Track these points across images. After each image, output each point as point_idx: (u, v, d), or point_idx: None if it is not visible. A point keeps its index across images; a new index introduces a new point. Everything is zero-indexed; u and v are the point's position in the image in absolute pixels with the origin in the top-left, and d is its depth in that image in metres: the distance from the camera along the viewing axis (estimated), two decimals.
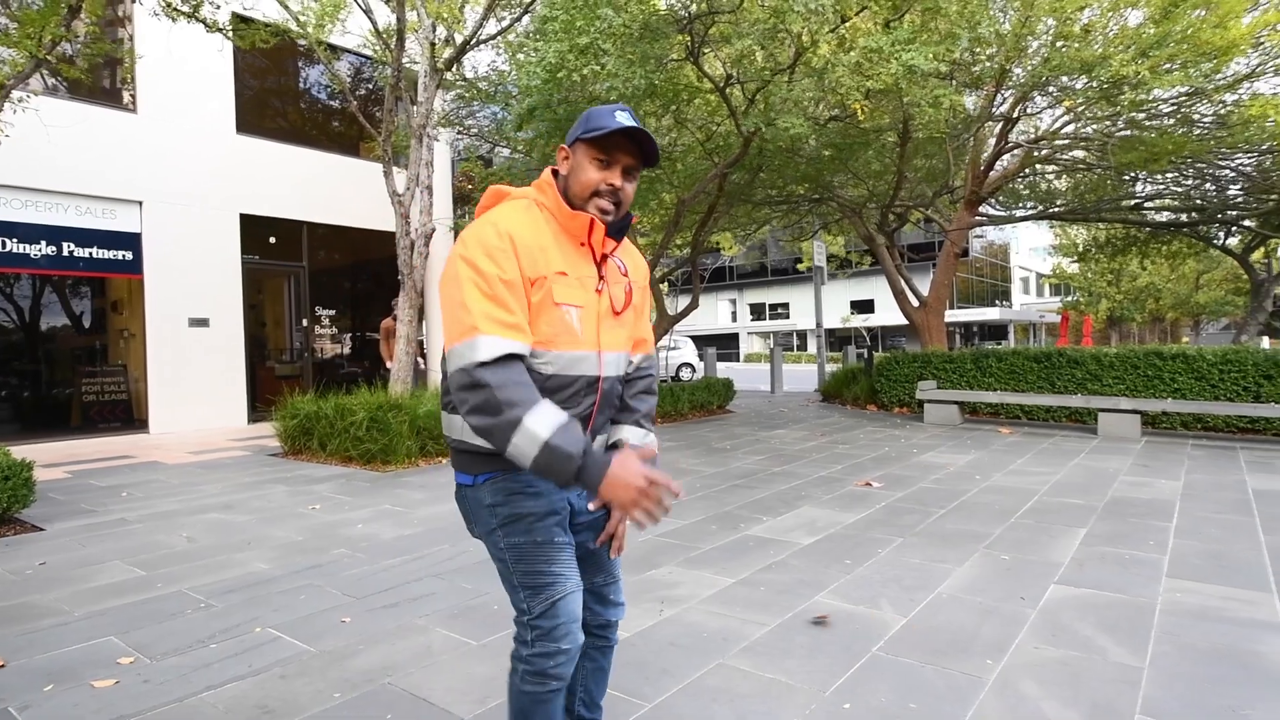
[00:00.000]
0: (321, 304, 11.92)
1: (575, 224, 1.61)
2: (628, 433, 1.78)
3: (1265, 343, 22.44)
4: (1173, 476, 6.05)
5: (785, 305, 48.24)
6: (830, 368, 14.08)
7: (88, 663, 2.76)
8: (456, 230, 12.36)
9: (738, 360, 46.25)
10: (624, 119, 1.56)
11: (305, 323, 11.55)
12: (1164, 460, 6.81)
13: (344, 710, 2.39)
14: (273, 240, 11.14)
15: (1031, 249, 52.38)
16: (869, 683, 2.56)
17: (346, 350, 12.51)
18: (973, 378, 10.04)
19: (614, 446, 1.76)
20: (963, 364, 10.18)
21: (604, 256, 1.67)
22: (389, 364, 9.76)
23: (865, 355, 13.83)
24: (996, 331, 45.77)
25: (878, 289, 40.77)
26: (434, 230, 8.40)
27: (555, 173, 1.68)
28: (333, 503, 5.43)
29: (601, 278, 1.66)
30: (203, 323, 10.13)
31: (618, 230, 1.66)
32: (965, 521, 4.71)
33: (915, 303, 12.70)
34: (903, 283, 12.78)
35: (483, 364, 1.43)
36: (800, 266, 26.72)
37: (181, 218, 9.99)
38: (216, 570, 3.87)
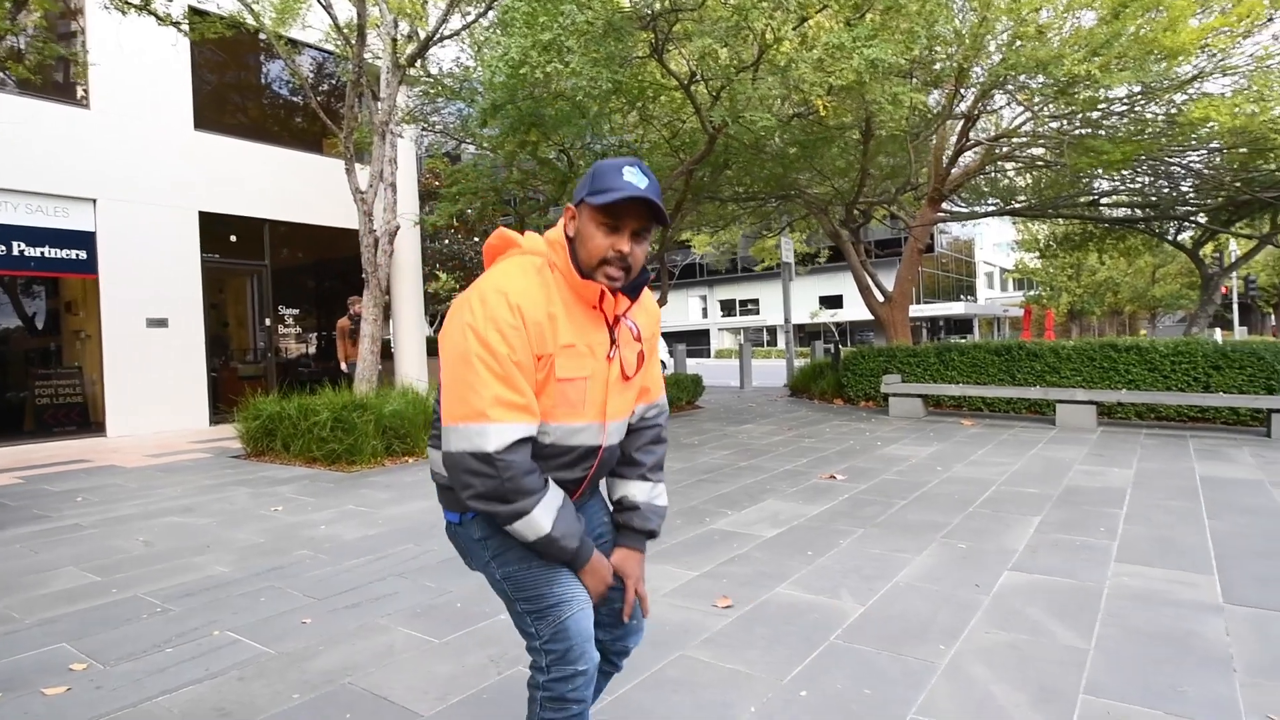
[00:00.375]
0: (285, 303, 11.73)
1: (587, 292, 1.51)
2: (634, 489, 1.71)
3: (1217, 334, 23.14)
4: (1125, 465, 6.23)
5: (755, 301, 48.57)
6: (799, 363, 14.22)
7: (39, 670, 2.71)
8: (422, 227, 12.24)
9: (708, 356, 46.48)
10: (632, 179, 1.45)
11: (268, 322, 11.37)
12: (1117, 449, 7.01)
13: (303, 711, 2.38)
14: (234, 239, 10.94)
15: (995, 244, 53.37)
16: (826, 671, 2.61)
17: (311, 350, 12.34)
18: (936, 371, 10.22)
19: (619, 504, 1.72)
20: (927, 358, 10.35)
21: (617, 319, 1.58)
22: (344, 365, 9.62)
23: (832, 350, 13.99)
24: (962, 326, 46.56)
25: (846, 284, 41.21)
26: (398, 228, 8.32)
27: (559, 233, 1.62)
28: (296, 504, 5.37)
29: (614, 342, 1.57)
30: (161, 323, 9.92)
31: (633, 288, 1.57)
32: (925, 512, 4.80)
33: (880, 298, 12.87)
34: (868, 278, 12.94)
35: (489, 454, 1.40)
36: (758, 268, 26.87)
37: (138, 216, 9.76)
38: (174, 574, 3.81)
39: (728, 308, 50.50)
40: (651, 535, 1.72)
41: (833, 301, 44.92)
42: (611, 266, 1.49)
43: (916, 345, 11.00)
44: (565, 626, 1.50)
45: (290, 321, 11.87)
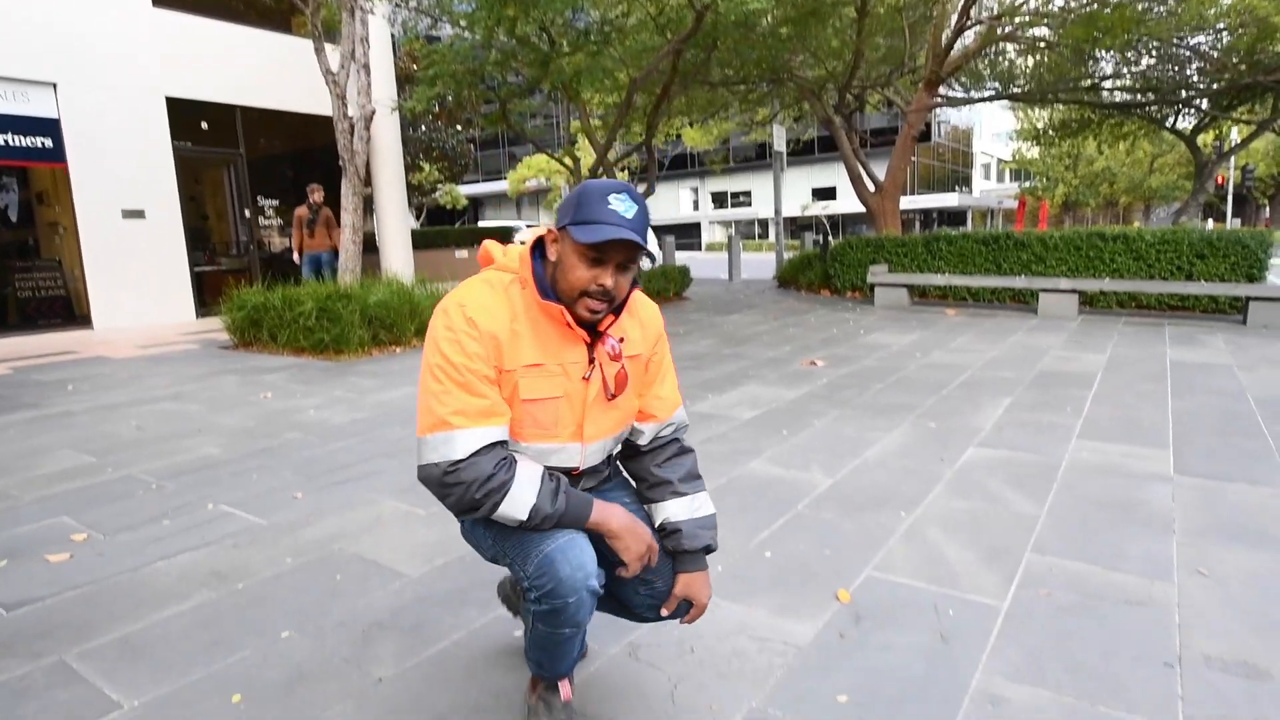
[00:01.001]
0: (264, 194, 11.46)
1: (552, 312, 1.46)
2: (672, 509, 1.61)
3: (1209, 226, 23.01)
4: (1100, 351, 6.36)
5: (747, 193, 47.68)
6: (789, 255, 14.13)
7: (41, 541, 2.84)
8: (401, 113, 11.81)
9: (699, 250, 46.06)
10: (618, 208, 1.37)
11: (248, 214, 11.14)
12: (1095, 336, 7.13)
13: (295, 573, 2.52)
14: (205, 126, 10.55)
15: (994, 134, 52.03)
16: (791, 535, 2.76)
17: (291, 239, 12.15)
18: (924, 261, 10.20)
19: (663, 530, 1.61)
20: (914, 248, 10.31)
21: (597, 337, 1.51)
22: (296, 257, 9.43)
23: (821, 241, 13.90)
24: (955, 218, 46.05)
25: (839, 176, 40.37)
26: (373, 112, 8.03)
27: (537, 245, 1.52)
28: (284, 391, 5.45)
29: (592, 361, 1.50)
30: (138, 214, 9.71)
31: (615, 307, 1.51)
32: (900, 395, 4.94)
33: (871, 188, 12.67)
34: (859, 167, 12.69)
35: (457, 462, 1.38)
36: (745, 139, 25.97)
37: (102, 101, 9.36)
38: (167, 455, 3.92)
39: (719, 200, 49.62)
40: (709, 550, 1.62)
41: (825, 193, 44.13)
42: (593, 300, 1.43)
43: (904, 235, 10.93)
44: (549, 557, 1.41)
45: (271, 213, 11.64)
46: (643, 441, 1.67)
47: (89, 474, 3.63)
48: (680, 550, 1.59)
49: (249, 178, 11.12)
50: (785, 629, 2.12)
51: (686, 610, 1.61)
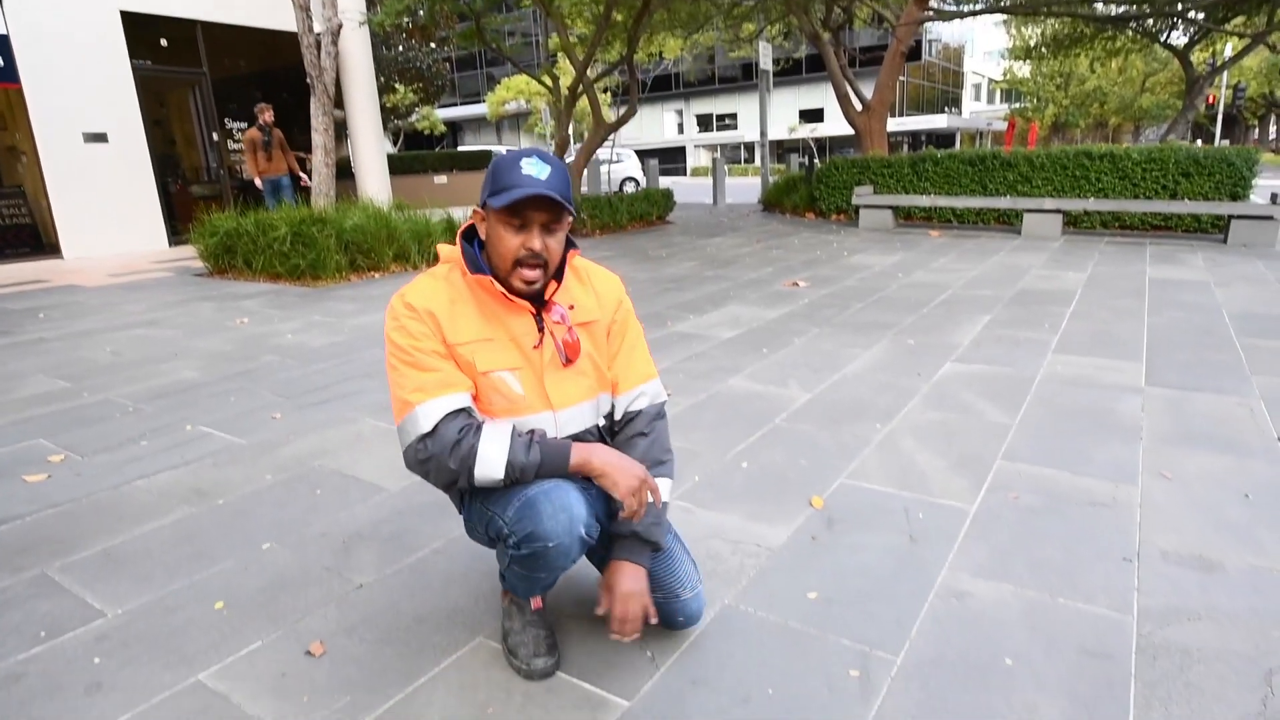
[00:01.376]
0: (231, 117, 11.05)
1: (484, 283, 1.47)
2: None
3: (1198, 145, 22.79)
4: (1081, 269, 6.37)
5: (733, 116, 46.57)
6: (775, 179, 13.90)
7: (17, 461, 2.83)
8: (371, 29, 11.30)
9: (684, 175, 45.27)
10: (531, 172, 1.38)
11: (215, 137, 10.76)
12: (1076, 256, 7.13)
13: (276, 489, 2.53)
14: (164, 43, 10.06)
15: (986, 52, 50.77)
16: (767, 447, 2.80)
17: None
18: (910, 183, 10.08)
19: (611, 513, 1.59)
20: (900, 169, 10.17)
21: (543, 306, 1.51)
22: (257, 181, 9.08)
23: (806, 163, 13.67)
24: (944, 140, 45.32)
25: (827, 97, 39.45)
26: (340, 26, 7.68)
27: (468, 232, 1.54)
28: (261, 316, 5.39)
29: (541, 330, 1.51)
30: (100, 138, 9.35)
31: (557, 269, 1.52)
32: (880, 313, 4.95)
33: (859, 106, 12.39)
34: (847, 85, 12.38)
35: (424, 436, 1.40)
36: (730, 55, 25.21)
37: (52, 17, 8.87)
38: (143, 379, 3.88)
39: (704, 123, 48.47)
40: (652, 547, 1.55)
41: (813, 115, 43.19)
42: (525, 267, 1.44)
43: (891, 157, 10.76)
44: (532, 500, 1.39)
45: (240, 137, 11.24)
46: (619, 412, 1.63)
47: (65, 398, 3.60)
48: (618, 535, 1.54)
49: (215, 100, 10.70)
50: (759, 533, 2.16)
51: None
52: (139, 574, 2.02)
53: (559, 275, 1.53)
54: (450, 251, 1.54)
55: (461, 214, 8.71)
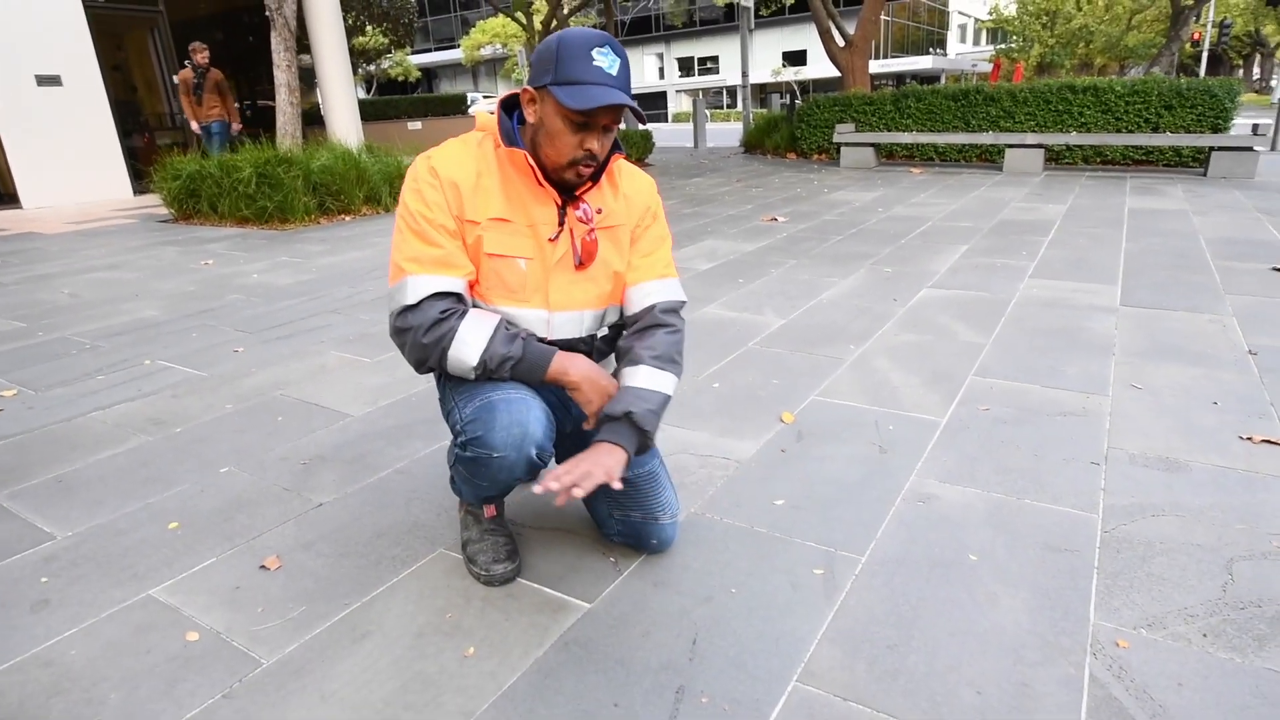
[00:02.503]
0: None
1: (516, 160, 1.39)
2: (630, 374, 1.44)
3: None
4: (1060, 202, 6.32)
5: (715, 59, 45.55)
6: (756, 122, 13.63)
7: None
8: None
9: (665, 121, 44.45)
10: (603, 65, 1.26)
11: (176, 80, 10.36)
12: (1057, 189, 7.07)
13: (235, 417, 2.47)
14: None
15: None
16: (740, 369, 2.76)
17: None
18: (892, 119, 9.92)
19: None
20: (882, 105, 9.99)
21: (568, 200, 1.42)
22: (194, 125, 8.54)
23: (788, 102, 13.41)
24: (928, 83, 44.64)
25: (811, 39, 38.63)
26: None
27: (507, 102, 1.42)
28: (226, 258, 5.24)
29: (562, 224, 1.42)
30: (53, 80, 8.97)
31: (597, 169, 1.44)
32: (858, 245, 4.89)
33: (841, 42, 12.11)
34: (829, 21, 12.07)
35: (408, 307, 1.35)
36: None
37: None
38: (102, 319, 3.77)
39: (686, 67, 47.42)
40: (642, 437, 1.41)
41: (796, 57, 42.35)
42: (581, 165, 1.35)
43: (873, 93, 10.55)
44: (491, 404, 1.34)
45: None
46: (629, 310, 1.52)
47: (19, 338, 3.49)
48: (610, 415, 1.39)
49: (174, 41, 10.27)
50: (728, 447, 2.14)
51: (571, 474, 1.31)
52: (91, 499, 1.97)
53: (596, 176, 1.45)
54: (486, 120, 1.45)
55: None
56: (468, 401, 1.39)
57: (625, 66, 1.31)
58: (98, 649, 1.39)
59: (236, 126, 8.71)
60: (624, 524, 1.60)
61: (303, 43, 9.25)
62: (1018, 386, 2.49)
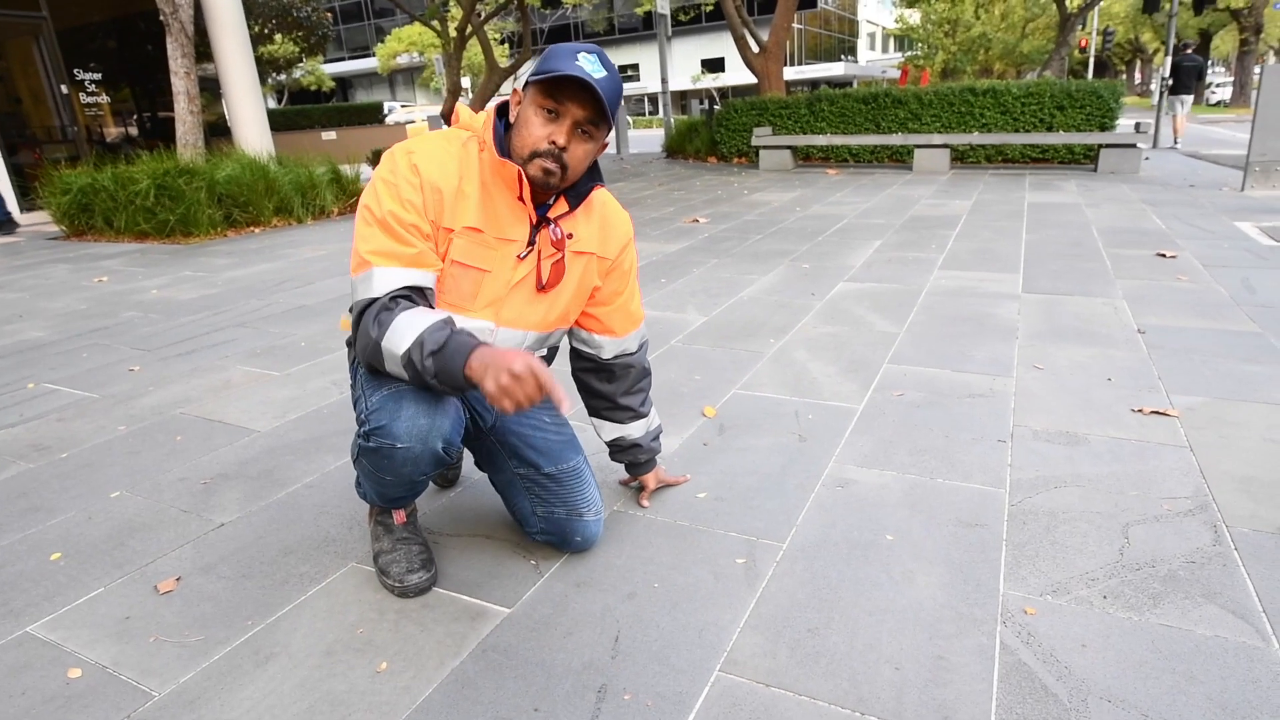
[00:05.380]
0: (82, 68, 10.03)
1: (505, 172, 1.33)
2: (632, 430, 1.73)
3: None
4: (966, 198, 6.60)
5: (635, 67, 45.93)
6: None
7: None
8: None
9: None
10: (586, 66, 1.24)
11: (65, 90, 9.76)
12: (963, 187, 7.38)
13: (129, 439, 2.32)
14: None
15: (879, 1, 51.68)
16: (662, 366, 2.76)
17: (131, 127, 10.82)
18: (806, 123, 10.18)
19: (616, 445, 1.76)
20: (798, 109, 10.24)
21: (542, 221, 1.38)
22: None
23: (708, 107, 13.61)
24: (841, 87, 46.23)
25: (729, 47, 39.38)
26: None
27: (503, 108, 1.39)
28: (123, 274, 4.95)
29: (531, 244, 1.38)
30: None
31: (576, 195, 1.41)
32: (778, 243, 4.97)
33: (755, 48, 12.36)
34: (744, 29, 12.31)
35: (372, 300, 1.27)
36: (639, 9, 24.87)
37: None
38: None
39: None
40: (654, 453, 1.79)
41: (714, 65, 43.10)
42: (544, 159, 1.29)
43: (789, 97, 10.81)
44: (400, 394, 1.28)
45: (94, 89, 10.25)
46: (605, 356, 1.63)
47: None
48: (637, 463, 1.77)
49: (60, 49, 9.67)
50: None
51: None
52: None
53: (573, 202, 1.42)
54: (471, 118, 1.41)
55: (349, 170, 8.21)
56: (377, 388, 1.32)
57: (613, 78, 1.28)
58: None
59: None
60: (547, 521, 1.56)
61: (206, 51, 8.88)
62: (929, 372, 2.57)
